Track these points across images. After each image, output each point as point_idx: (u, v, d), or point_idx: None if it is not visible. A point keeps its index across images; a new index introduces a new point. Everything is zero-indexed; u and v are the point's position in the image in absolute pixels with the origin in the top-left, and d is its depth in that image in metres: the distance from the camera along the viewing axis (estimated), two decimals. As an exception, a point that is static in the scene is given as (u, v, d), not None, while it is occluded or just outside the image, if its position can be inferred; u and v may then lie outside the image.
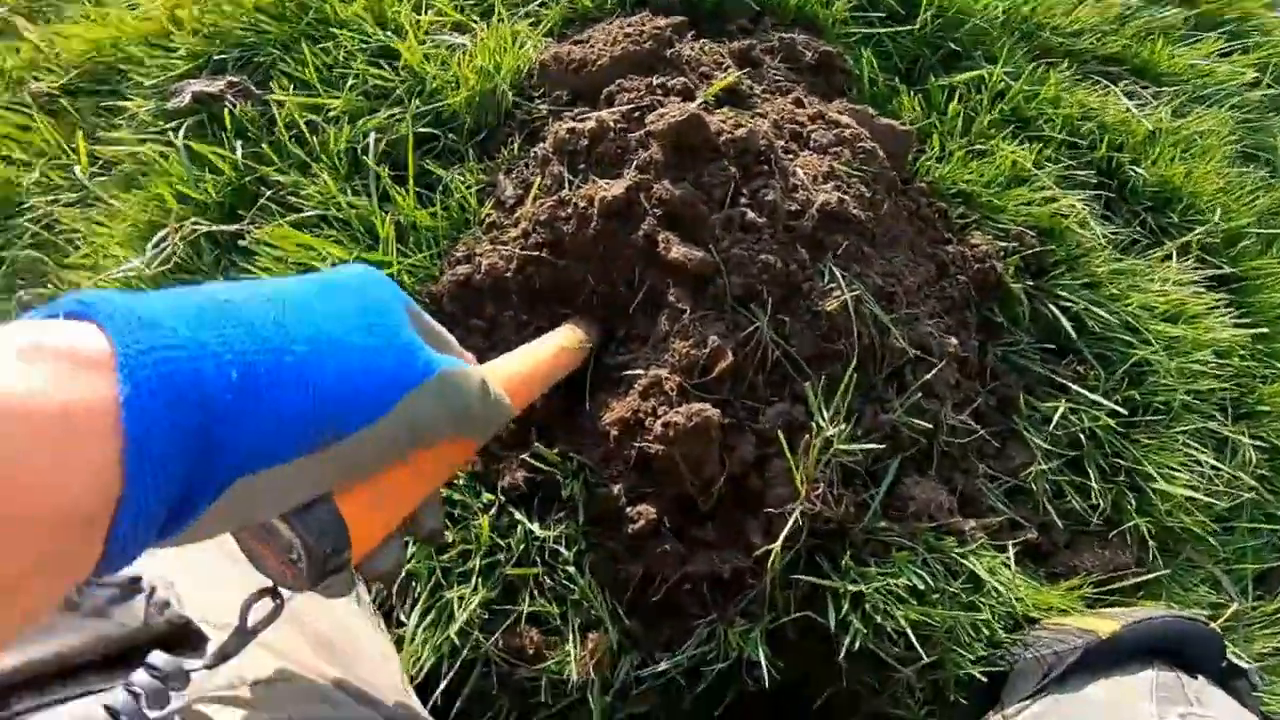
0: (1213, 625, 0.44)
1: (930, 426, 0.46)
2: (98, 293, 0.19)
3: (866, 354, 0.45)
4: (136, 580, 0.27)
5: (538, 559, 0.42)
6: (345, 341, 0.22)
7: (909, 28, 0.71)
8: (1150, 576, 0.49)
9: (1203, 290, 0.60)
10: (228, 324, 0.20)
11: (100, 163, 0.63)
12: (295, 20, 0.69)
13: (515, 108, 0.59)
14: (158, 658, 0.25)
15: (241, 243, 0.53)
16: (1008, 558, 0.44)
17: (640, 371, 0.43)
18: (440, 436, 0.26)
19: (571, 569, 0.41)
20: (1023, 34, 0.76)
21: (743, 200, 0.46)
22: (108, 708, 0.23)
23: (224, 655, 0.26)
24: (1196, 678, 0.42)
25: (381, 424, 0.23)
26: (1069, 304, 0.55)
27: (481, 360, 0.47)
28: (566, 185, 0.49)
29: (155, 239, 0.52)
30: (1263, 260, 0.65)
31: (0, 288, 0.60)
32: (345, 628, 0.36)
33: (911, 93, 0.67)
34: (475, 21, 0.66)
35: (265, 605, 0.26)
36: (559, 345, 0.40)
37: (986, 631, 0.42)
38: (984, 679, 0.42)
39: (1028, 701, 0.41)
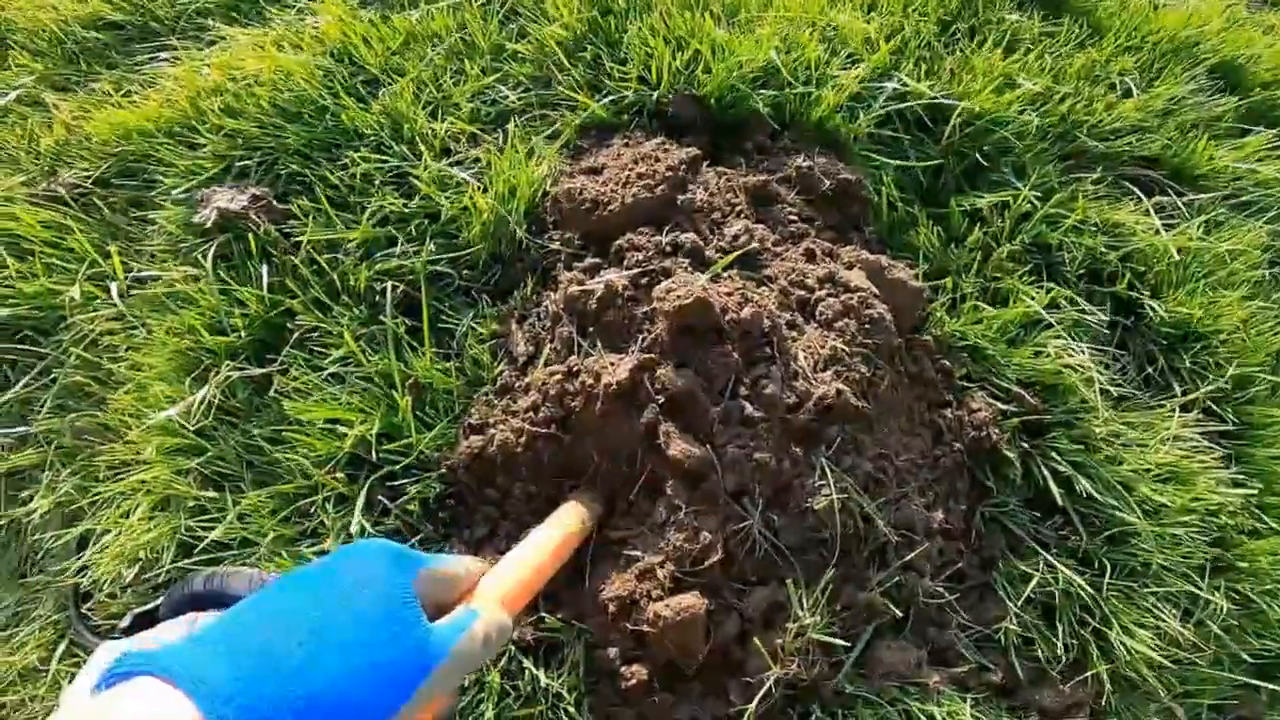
0: None
1: (908, 599, 0.49)
2: (179, 658, 0.25)
3: (850, 541, 0.48)
4: None
5: (542, 700, 0.48)
6: (373, 662, 0.28)
7: (934, 138, 0.68)
8: (1106, 722, 0.53)
9: (1203, 445, 0.60)
10: (284, 678, 0.26)
11: (134, 271, 0.67)
12: (312, 124, 0.69)
13: (529, 235, 0.60)
14: None
15: (272, 391, 0.57)
16: (966, 706, 0.49)
17: (638, 553, 0.47)
18: (451, 689, 0.31)
19: (572, 709, 0.47)
20: (1056, 136, 0.72)
21: (743, 391, 0.48)
22: None
23: None
24: None
25: (405, 708, 0.28)
26: (1061, 468, 0.56)
27: (495, 530, 0.51)
28: (575, 350, 0.52)
29: (196, 399, 0.56)
30: (1269, 408, 0.64)
31: (51, 407, 0.65)
32: None
33: (930, 220, 0.65)
34: (490, 134, 0.66)
35: None
36: (565, 533, 0.44)
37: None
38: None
39: None
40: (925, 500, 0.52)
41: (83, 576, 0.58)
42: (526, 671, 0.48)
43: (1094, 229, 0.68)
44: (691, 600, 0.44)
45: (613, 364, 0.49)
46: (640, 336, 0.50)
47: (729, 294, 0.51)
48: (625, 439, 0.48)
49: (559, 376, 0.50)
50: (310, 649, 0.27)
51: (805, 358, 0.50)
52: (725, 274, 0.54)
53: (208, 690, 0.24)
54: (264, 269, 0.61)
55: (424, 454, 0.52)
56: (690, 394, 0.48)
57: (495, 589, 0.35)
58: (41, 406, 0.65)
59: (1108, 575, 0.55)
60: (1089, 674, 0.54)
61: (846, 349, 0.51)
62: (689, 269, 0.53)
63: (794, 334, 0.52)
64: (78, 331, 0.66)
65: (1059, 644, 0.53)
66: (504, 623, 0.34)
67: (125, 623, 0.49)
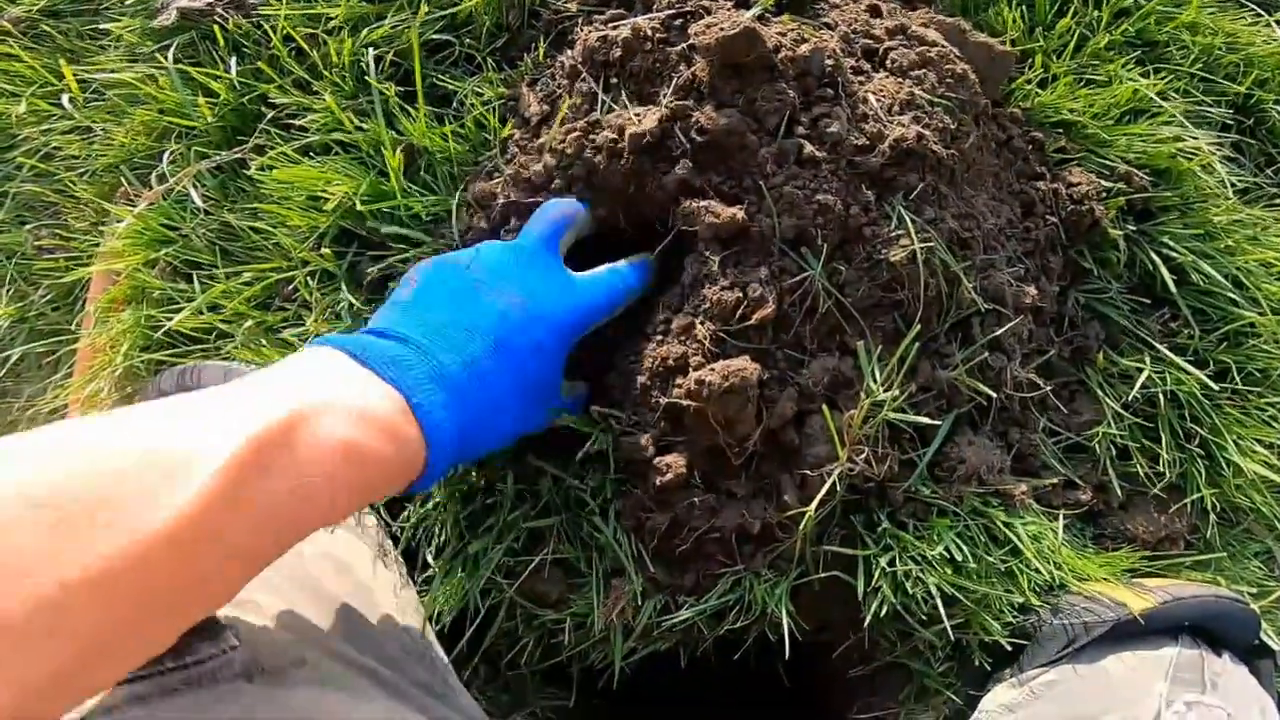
0: (1251, 605, 0.41)
1: (993, 385, 0.41)
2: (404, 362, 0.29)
3: (931, 306, 0.40)
4: None
5: (563, 507, 0.41)
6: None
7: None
8: (1205, 556, 0.46)
9: (1330, 245, 0.51)
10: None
11: (91, 88, 0.59)
12: (287, -97, 0.60)
13: (540, 5, 0.51)
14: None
15: (246, 171, 0.49)
16: (1055, 525, 0.42)
17: (672, 315, 0.39)
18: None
19: (597, 518, 0.40)
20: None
21: (800, 130, 0.40)
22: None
23: None
24: (1221, 655, 0.40)
25: None
26: (1173, 254, 0.47)
27: None
28: (598, 106, 0.43)
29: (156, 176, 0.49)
30: None
31: (7, 220, 0.59)
32: (367, 596, 0.37)
33: (1012, 2, 0.55)
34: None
35: None
36: None
37: (1020, 599, 0.41)
38: (1008, 646, 0.41)
39: (1045, 668, 0.41)
40: (1014, 272, 0.43)
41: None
42: (545, 474, 0.41)
43: (1209, 31, 0.57)
44: (743, 363, 0.37)
45: (639, 115, 0.41)
46: (674, 79, 0.42)
47: (782, 33, 0.43)
48: (655, 198, 0.40)
49: (577, 133, 0.42)
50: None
51: (877, 100, 0.42)
52: (776, 19, 0.45)
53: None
54: (233, 60, 0.53)
55: (420, 220, 0.44)
56: (735, 133, 0.39)
57: None
58: (-4, 222, 0.59)
59: (1220, 380, 0.47)
60: (1189, 500, 0.46)
61: (926, 96, 0.42)
62: (732, 9, 0.44)
63: (861, 79, 0.43)
64: (30, 146, 0.59)
65: (1162, 454, 0.45)
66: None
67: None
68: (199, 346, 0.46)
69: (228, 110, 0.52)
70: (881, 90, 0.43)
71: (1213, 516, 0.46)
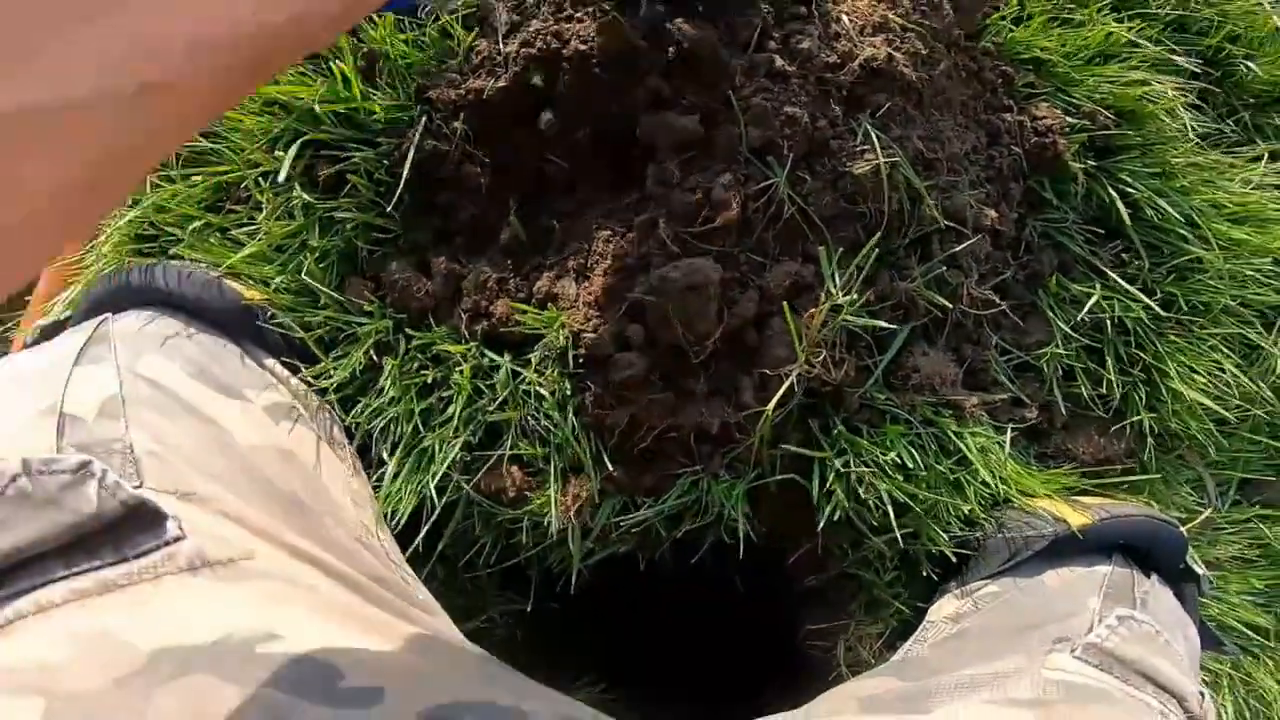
0: (1181, 529, 0.46)
1: (948, 300, 0.45)
2: None
3: (893, 220, 0.43)
4: (87, 464, 0.26)
5: (520, 402, 0.42)
6: None
7: None
8: (1140, 478, 0.51)
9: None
10: None
11: None
12: None
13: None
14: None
15: None
16: (1004, 439, 0.45)
17: (634, 215, 0.41)
18: None
19: (555, 414, 0.42)
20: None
21: (771, 45, 0.43)
22: None
23: None
24: (1150, 576, 0.45)
25: None
26: (1130, 190, 0.52)
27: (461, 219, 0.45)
28: (568, 14, 0.44)
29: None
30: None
31: None
32: (318, 488, 0.38)
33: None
34: None
35: None
36: None
37: (967, 507, 0.44)
38: (954, 557, 0.45)
39: (988, 581, 0.45)
40: (976, 195, 0.46)
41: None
42: (501, 369, 0.43)
43: (1186, -13, 0.61)
44: (705, 262, 0.39)
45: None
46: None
47: (757, -52, 0.44)
48: (624, 105, 0.42)
49: (548, 35, 0.43)
50: None
51: (850, 21, 0.44)
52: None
53: None
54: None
55: (380, 123, 0.45)
56: (705, 43, 0.41)
57: None
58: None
59: (1165, 311, 0.51)
60: (1128, 422, 0.50)
61: (900, 21, 0.45)
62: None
63: (835, 1, 0.45)
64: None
65: (1106, 377, 0.49)
66: None
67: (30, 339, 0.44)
68: (144, 244, 0.46)
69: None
70: (855, 11, 0.46)
71: (1150, 440, 0.51)
